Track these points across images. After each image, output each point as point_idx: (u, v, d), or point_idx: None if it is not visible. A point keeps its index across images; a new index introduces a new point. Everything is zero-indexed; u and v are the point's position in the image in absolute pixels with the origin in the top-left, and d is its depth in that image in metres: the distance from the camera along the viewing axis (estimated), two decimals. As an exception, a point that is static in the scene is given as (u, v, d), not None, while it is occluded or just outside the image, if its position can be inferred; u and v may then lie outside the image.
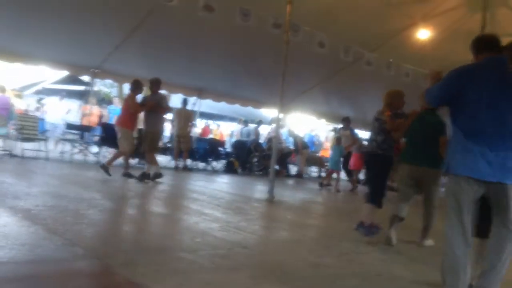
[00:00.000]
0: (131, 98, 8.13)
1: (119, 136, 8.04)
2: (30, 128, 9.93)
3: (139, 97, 8.47)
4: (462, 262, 2.90)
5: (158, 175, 7.97)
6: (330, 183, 11.09)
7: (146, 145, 8.20)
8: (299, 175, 13.77)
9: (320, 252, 4.12)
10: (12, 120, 10.43)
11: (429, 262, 4.18)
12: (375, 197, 4.93)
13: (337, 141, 11.18)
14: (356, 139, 11.47)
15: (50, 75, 19.52)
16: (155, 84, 8.24)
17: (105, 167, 7.82)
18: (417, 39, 10.35)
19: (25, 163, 8.91)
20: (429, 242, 4.94)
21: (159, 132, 8.44)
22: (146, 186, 7.65)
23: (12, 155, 9.46)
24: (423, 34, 10.23)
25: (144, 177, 7.89)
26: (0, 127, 9.71)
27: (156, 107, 8.04)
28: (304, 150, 13.69)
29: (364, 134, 15.77)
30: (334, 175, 11.02)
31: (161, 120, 8.46)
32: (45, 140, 10.21)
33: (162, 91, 13.41)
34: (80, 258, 3.13)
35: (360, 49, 10.44)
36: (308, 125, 18.99)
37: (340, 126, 12.61)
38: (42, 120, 12.36)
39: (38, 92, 20.39)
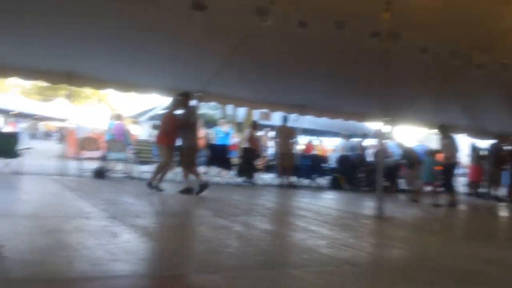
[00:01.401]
0: (167, 116, 8.48)
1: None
2: (146, 152, 10.72)
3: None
4: None
5: (189, 190, 8.05)
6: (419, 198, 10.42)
7: (183, 160, 8.46)
8: (411, 190, 13.08)
9: (436, 273, 3.83)
10: (129, 145, 11.32)
11: None
12: None
13: (430, 153, 10.80)
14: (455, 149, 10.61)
15: (162, 101, 20.88)
16: (185, 98, 8.52)
17: (156, 186, 8.11)
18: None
19: (143, 185, 9.56)
20: None
21: (194, 147, 8.56)
22: (252, 204, 7.78)
23: (131, 178, 10.25)
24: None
25: (188, 191, 8.09)
26: (118, 152, 10.60)
27: (186, 124, 8.33)
28: (418, 166, 12.95)
29: (482, 144, 14.55)
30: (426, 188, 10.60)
31: (194, 134, 8.61)
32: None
33: (264, 110, 13.51)
34: (191, 273, 3.26)
35: (469, 52, 9.72)
36: (417, 136, 18.06)
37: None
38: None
39: (151, 118, 21.95)
